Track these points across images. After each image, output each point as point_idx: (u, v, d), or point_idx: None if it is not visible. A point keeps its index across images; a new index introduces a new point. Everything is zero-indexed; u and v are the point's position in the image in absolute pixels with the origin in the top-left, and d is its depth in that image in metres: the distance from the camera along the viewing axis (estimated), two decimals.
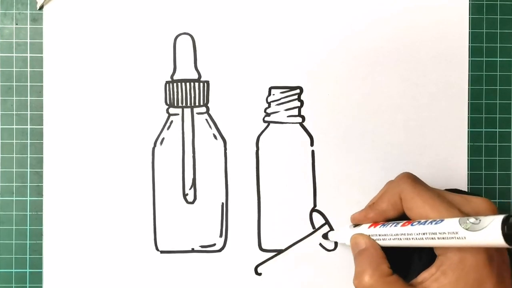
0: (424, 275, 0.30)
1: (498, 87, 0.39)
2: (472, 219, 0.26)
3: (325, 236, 0.37)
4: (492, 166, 0.38)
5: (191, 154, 0.38)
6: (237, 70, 0.38)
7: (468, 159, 0.38)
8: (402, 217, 0.32)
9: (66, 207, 0.37)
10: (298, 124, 0.38)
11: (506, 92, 0.39)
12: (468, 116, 0.38)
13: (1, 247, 0.37)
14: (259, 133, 0.38)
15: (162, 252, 0.37)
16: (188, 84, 0.38)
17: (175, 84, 0.38)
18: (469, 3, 0.38)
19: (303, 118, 0.38)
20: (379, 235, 0.32)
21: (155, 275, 0.37)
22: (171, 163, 0.38)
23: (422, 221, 0.29)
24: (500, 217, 0.25)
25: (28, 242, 0.38)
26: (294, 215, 0.38)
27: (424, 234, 0.28)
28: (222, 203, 0.38)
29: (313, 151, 0.38)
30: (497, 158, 0.38)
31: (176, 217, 0.38)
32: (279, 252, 0.38)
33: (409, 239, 0.30)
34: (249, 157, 0.38)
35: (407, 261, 0.33)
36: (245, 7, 0.38)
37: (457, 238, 0.26)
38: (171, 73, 0.38)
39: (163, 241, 0.37)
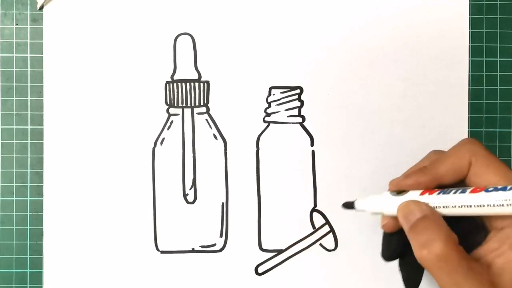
0: (483, 250, 0.27)
1: (498, 87, 0.39)
2: None
3: (348, 205, 0.32)
4: None
5: (191, 154, 0.38)
6: (237, 70, 0.38)
7: None
8: (458, 185, 0.29)
9: (66, 207, 0.37)
10: (298, 124, 0.38)
11: (506, 92, 0.39)
12: (468, 116, 0.38)
13: (1, 247, 0.38)
14: (259, 133, 0.38)
15: (162, 252, 0.38)
16: (188, 84, 0.38)
17: (175, 84, 0.38)
18: (469, 3, 0.38)
19: (303, 118, 0.38)
20: (439, 203, 0.28)
21: (155, 275, 0.37)
22: (171, 163, 0.38)
23: (499, 187, 0.26)
24: None
25: (28, 242, 0.38)
26: (294, 215, 0.38)
27: (506, 200, 0.26)
28: (222, 203, 0.38)
29: (313, 151, 0.38)
30: None
31: (176, 217, 0.38)
32: (279, 252, 0.38)
33: (483, 206, 0.26)
34: (249, 157, 0.38)
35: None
36: (245, 7, 0.38)
37: None
38: (171, 73, 0.38)
39: (163, 241, 0.37)
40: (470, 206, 0.27)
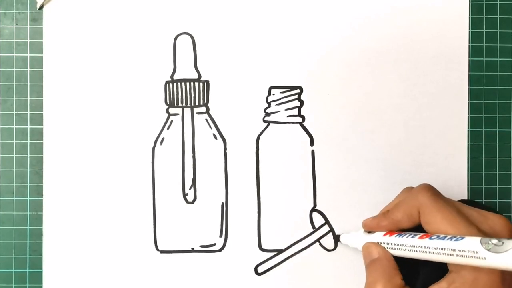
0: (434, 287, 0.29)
1: (498, 87, 0.39)
2: (494, 241, 0.26)
3: (337, 239, 0.37)
4: (492, 166, 0.38)
5: (191, 154, 0.38)
6: (237, 70, 0.38)
7: (468, 159, 0.38)
8: (416, 228, 0.32)
9: (66, 207, 0.37)
10: (298, 124, 0.38)
11: (506, 92, 0.39)
12: (468, 116, 0.38)
13: (1, 247, 0.38)
14: (259, 133, 0.38)
15: (162, 252, 0.37)
16: (188, 84, 0.38)
17: (175, 84, 0.38)
18: (469, 3, 0.38)
19: (303, 118, 0.38)
20: (394, 244, 0.32)
21: (155, 275, 0.37)
22: (171, 163, 0.38)
23: (441, 236, 0.29)
24: None
25: (28, 242, 0.38)
26: (294, 215, 0.38)
27: (442, 249, 0.28)
28: (222, 203, 0.38)
29: (313, 151, 0.38)
30: (497, 158, 0.38)
31: (176, 217, 0.38)
32: (279, 252, 0.38)
33: (426, 252, 0.29)
34: (249, 157, 0.38)
35: (415, 271, 0.32)
36: (245, 7, 0.38)
37: (476, 257, 0.26)
38: (171, 73, 0.38)
39: (163, 241, 0.37)
40: (416, 251, 0.30)
